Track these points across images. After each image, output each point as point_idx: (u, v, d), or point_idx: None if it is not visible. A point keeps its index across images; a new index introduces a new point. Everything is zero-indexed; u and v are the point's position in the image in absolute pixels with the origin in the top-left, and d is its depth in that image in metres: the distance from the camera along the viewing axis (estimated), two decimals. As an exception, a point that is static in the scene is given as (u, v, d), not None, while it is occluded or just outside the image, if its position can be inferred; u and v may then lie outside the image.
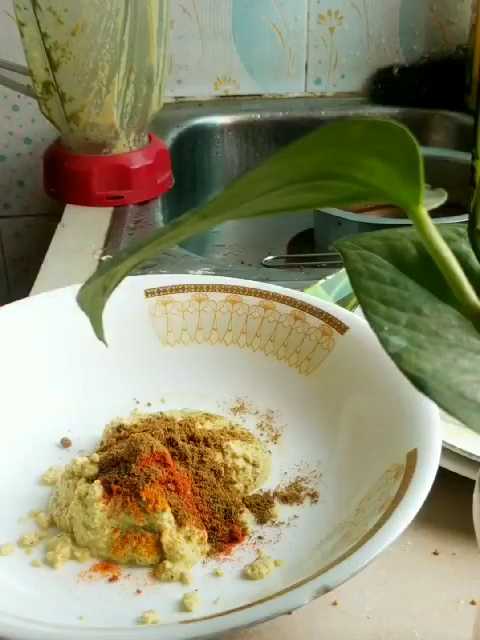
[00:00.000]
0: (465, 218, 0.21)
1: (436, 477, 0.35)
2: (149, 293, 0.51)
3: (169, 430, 0.42)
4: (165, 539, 0.37)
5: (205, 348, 0.51)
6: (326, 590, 0.30)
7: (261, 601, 0.31)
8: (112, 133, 0.78)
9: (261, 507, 0.40)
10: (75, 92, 0.76)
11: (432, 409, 0.39)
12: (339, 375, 0.46)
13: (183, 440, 0.41)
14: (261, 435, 0.46)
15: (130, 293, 0.51)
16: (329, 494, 0.41)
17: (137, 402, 0.49)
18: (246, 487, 0.42)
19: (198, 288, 0.52)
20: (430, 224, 0.18)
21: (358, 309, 0.52)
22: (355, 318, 0.48)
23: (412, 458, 0.36)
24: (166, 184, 0.84)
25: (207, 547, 0.38)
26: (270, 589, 0.33)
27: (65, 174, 0.80)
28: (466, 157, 0.91)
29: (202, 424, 0.43)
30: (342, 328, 0.47)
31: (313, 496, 0.41)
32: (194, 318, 0.51)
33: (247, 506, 0.41)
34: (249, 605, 0.31)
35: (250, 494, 0.42)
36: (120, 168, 0.79)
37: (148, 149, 0.82)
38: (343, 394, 0.45)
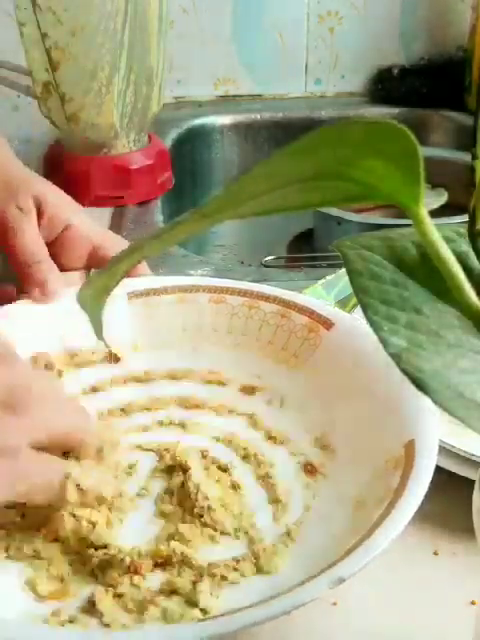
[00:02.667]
0: (465, 218, 0.21)
1: (436, 477, 0.35)
2: (133, 296, 0.51)
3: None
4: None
5: (191, 349, 0.51)
6: (341, 581, 0.30)
7: (278, 595, 0.31)
8: (112, 133, 0.78)
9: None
10: (75, 92, 0.76)
11: (424, 399, 0.39)
12: (327, 371, 0.46)
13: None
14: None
15: (113, 296, 0.50)
16: (327, 491, 0.41)
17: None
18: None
19: (182, 290, 0.51)
20: (430, 224, 0.18)
21: (358, 309, 0.52)
22: (340, 314, 0.49)
23: (410, 449, 0.37)
24: (166, 184, 0.84)
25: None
26: (283, 583, 0.33)
27: (65, 174, 0.80)
28: (466, 157, 0.91)
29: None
30: (328, 324, 0.47)
31: (311, 493, 0.41)
32: (179, 320, 0.51)
33: None
34: (268, 599, 0.31)
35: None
36: (120, 168, 0.79)
37: (148, 149, 0.82)
38: (333, 390, 0.45)
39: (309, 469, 0.43)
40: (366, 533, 0.33)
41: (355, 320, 0.48)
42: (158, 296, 0.52)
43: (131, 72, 0.76)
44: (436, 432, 0.38)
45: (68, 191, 0.79)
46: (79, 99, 0.76)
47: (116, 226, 0.77)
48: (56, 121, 0.79)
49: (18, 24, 0.74)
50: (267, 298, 0.50)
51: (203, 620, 0.33)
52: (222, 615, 0.32)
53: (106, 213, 0.79)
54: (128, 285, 0.51)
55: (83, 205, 0.79)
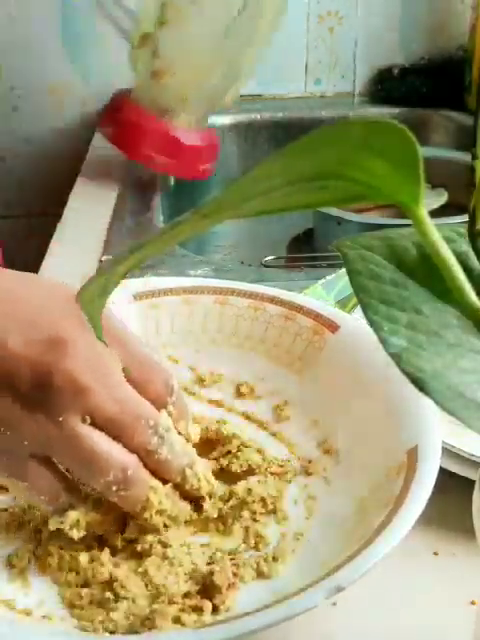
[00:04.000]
0: (465, 218, 0.21)
1: (436, 477, 0.35)
2: (138, 297, 0.51)
3: None
4: None
5: (194, 350, 0.51)
6: (339, 590, 0.30)
7: (274, 604, 0.31)
8: (183, 105, 0.80)
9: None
10: (171, 54, 0.77)
11: (429, 404, 0.39)
12: (331, 374, 0.46)
13: None
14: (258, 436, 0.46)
15: (119, 297, 0.49)
16: (329, 495, 0.41)
17: None
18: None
19: (187, 291, 0.51)
20: (430, 224, 0.18)
21: (358, 309, 0.52)
22: (345, 316, 0.48)
23: (413, 455, 0.36)
24: (206, 172, 0.86)
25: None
26: (283, 588, 0.33)
27: (123, 120, 0.82)
28: (466, 157, 0.91)
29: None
30: (333, 327, 0.47)
31: (313, 498, 0.41)
32: (184, 321, 0.51)
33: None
34: (264, 607, 0.31)
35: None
36: (174, 138, 0.81)
37: (204, 134, 0.84)
38: (337, 394, 0.45)
39: (311, 473, 0.42)
40: (366, 541, 0.32)
41: (360, 323, 0.47)
42: (163, 297, 0.51)
43: (224, 62, 0.78)
44: (439, 438, 0.37)
45: (120, 136, 0.80)
46: (169, 60, 0.77)
47: (116, 226, 0.77)
48: (139, 72, 0.80)
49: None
50: (272, 300, 0.50)
51: (200, 628, 0.32)
52: (218, 623, 0.32)
53: (106, 213, 0.79)
54: (132, 286, 0.51)
55: (129, 157, 0.81)
